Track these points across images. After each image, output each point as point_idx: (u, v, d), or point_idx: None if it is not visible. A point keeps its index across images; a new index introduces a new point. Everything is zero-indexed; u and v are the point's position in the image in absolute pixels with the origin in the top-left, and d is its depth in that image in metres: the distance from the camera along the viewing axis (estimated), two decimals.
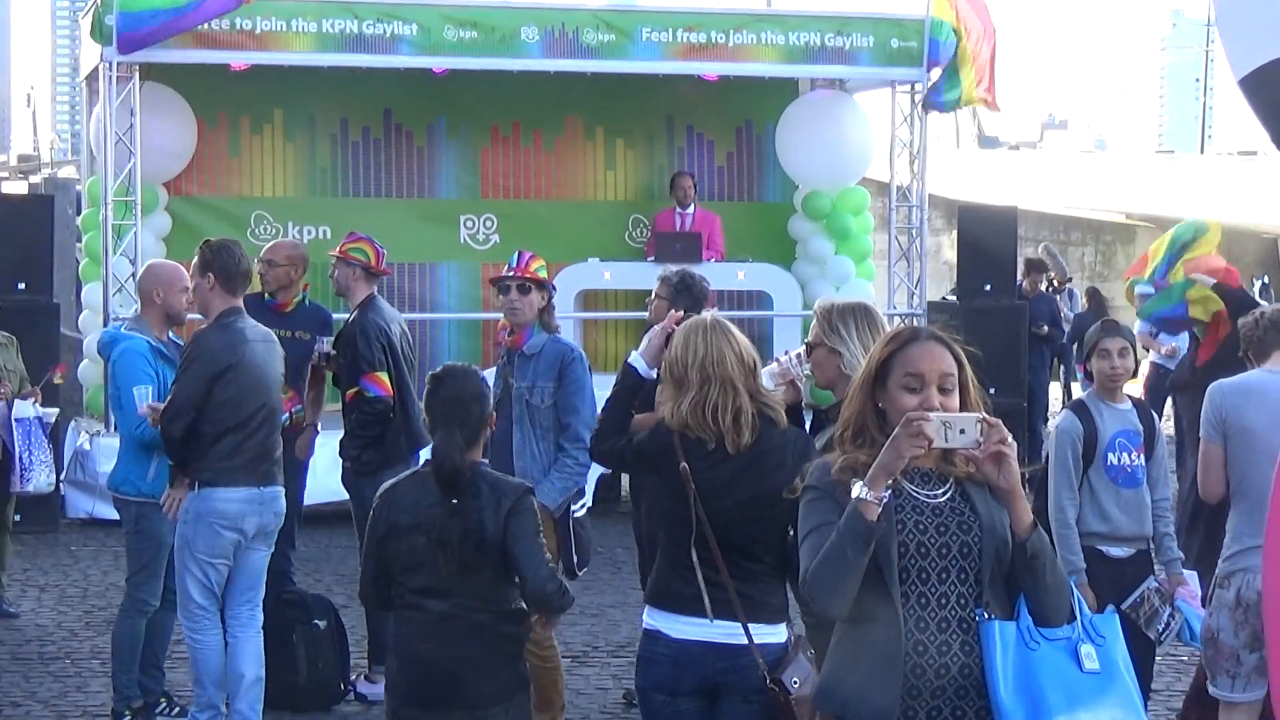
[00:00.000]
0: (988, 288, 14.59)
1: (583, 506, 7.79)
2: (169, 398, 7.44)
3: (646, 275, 14.73)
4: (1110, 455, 6.82)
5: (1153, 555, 7.07)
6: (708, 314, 5.56)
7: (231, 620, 7.59)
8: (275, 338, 7.78)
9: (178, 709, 8.09)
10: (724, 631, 5.10)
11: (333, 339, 8.96)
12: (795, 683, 5.04)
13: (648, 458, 5.39)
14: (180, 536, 7.47)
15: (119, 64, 13.07)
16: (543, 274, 7.83)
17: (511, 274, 7.74)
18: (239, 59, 13.54)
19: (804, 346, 5.67)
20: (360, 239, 8.87)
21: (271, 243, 9.77)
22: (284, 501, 7.70)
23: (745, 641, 5.07)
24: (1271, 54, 5.10)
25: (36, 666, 9.23)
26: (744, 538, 5.13)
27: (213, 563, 7.43)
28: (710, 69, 14.52)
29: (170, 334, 8.01)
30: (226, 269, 7.50)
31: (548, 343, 7.72)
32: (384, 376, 8.52)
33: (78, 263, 15.74)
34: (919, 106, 14.78)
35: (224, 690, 7.55)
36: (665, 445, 5.20)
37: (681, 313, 6.00)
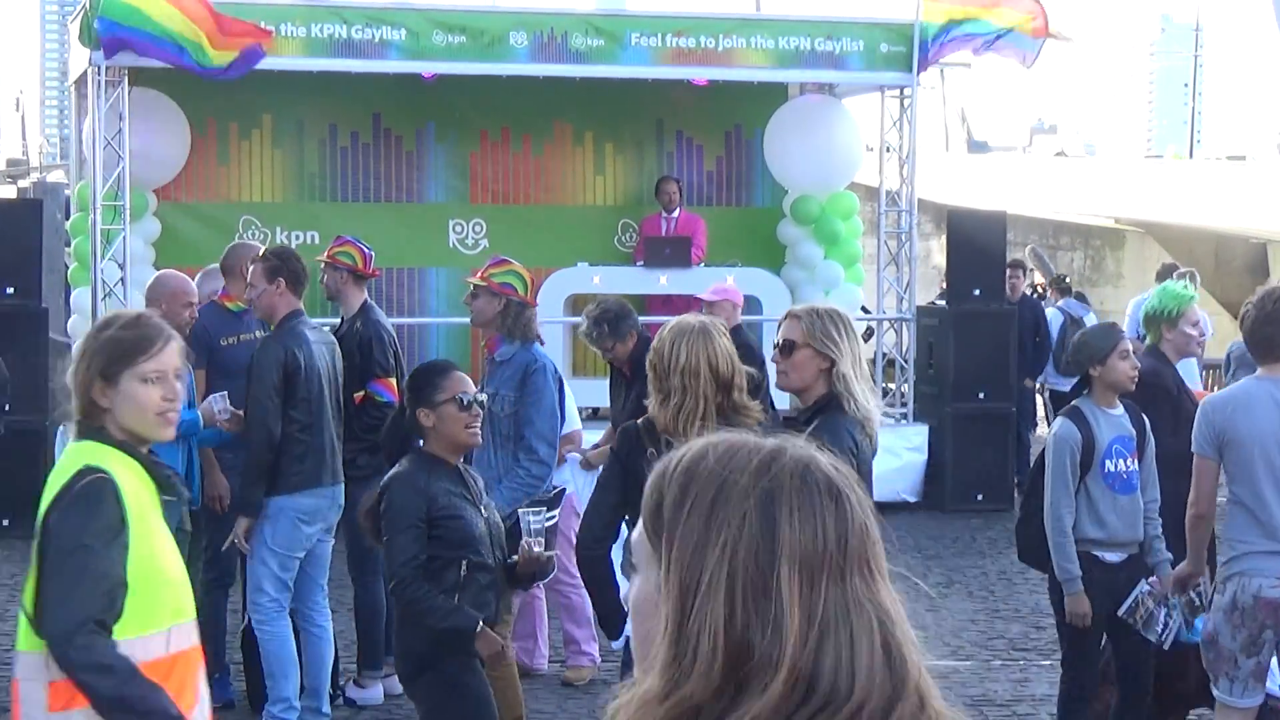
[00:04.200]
0: (977, 292, 14.59)
1: (551, 518, 7.82)
2: (246, 414, 7.64)
3: (636, 280, 14.81)
4: (1108, 462, 6.83)
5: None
6: (697, 317, 5.54)
7: (312, 610, 7.85)
8: (334, 339, 8.02)
9: None
10: None
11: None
12: None
13: (626, 467, 5.40)
14: (257, 532, 7.61)
15: (107, 68, 13.07)
16: (503, 280, 7.83)
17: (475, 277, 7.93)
18: None
19: (777, 345, 5.59)
20: (346, 242, 8.86)
21: (243, 246, 9.30)
22: (343, 494, 7.93)
23: None
24: None
25: None
26: None
27: (292, 556, 7.67)
28: (699, 74, 14.52)
29: None
30: (295, 273, 7.74)
31: (518, 351, 7.77)
32: (394, 383, 8.57)
33: (66, 267, 15.72)
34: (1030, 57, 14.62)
35: (295, 682, 7.73)
36: (634, 445, 5.20)
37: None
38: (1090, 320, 16.45)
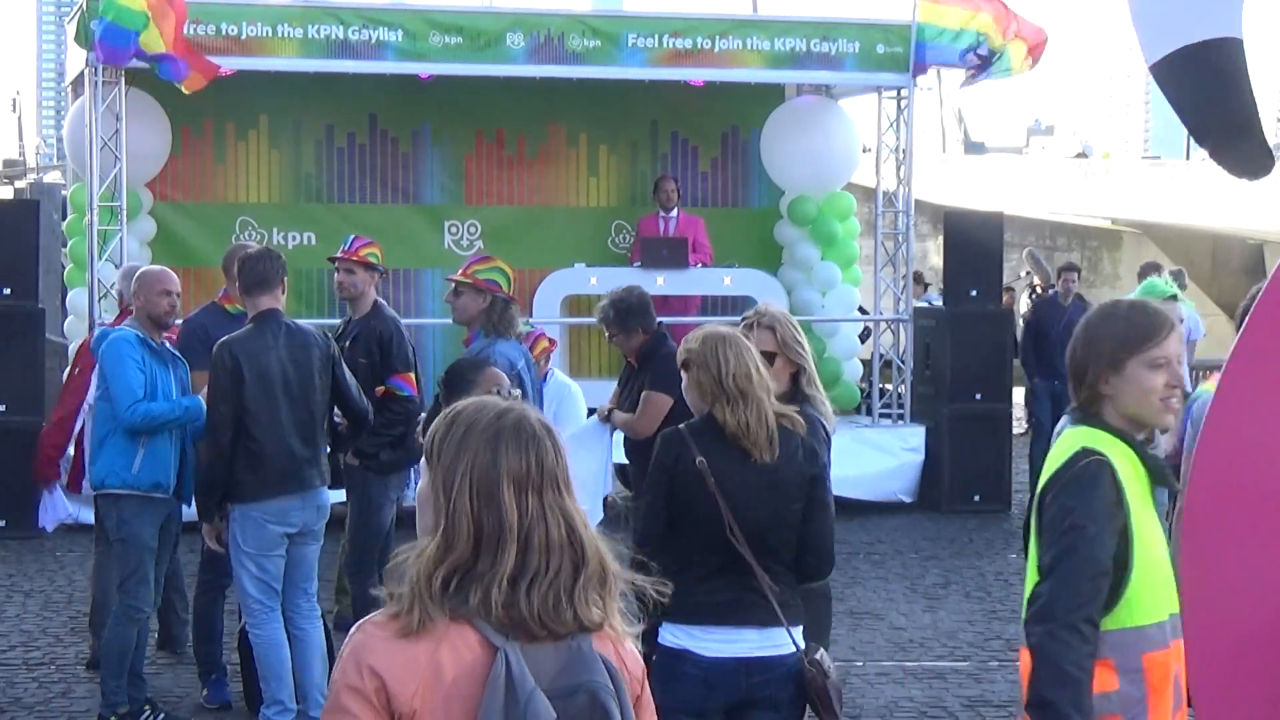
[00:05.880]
0: (974, 293, 14.58)
1: None
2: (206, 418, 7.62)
3: (632, 281, 14.76)
4: None
5: None
6: (721, 326, 5.44)
7: (294, 613, 7.73)
8: (314, 341, 7.75)
9: (162, 714, 8.08)
10: (756, 644, 5.00)
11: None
12: (829, 665, 5.05)
13: (674, 474, 5.09)
14: (230, 537, 7.58)
15: (104, 69, 13.05)
16: (488, 276, 7.88)
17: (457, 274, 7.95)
18: (224, 64, 13.49)
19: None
20: (371, 243, 8.96)
21: (241, 249, 9.11)
22: (327, 498, 7.81)
23: (777, 653, 5.01)
24: (1184, 40, 5.18)
25: (21, 672, 9.21)
26: (774, 540, 5.05)
27: (267, 556, 7.56)
28: (696, 75, 14.50)
29: (163, 339, 8.04)
30: (245, 275, 7.67)
31: (483, 348, 7.78)
32: (414, 377, 8.60)
33: (63, 268, 15.70)
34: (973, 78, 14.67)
35: (289, 684, 7.64)
36: (681, 452, 5.05)
37: None
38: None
